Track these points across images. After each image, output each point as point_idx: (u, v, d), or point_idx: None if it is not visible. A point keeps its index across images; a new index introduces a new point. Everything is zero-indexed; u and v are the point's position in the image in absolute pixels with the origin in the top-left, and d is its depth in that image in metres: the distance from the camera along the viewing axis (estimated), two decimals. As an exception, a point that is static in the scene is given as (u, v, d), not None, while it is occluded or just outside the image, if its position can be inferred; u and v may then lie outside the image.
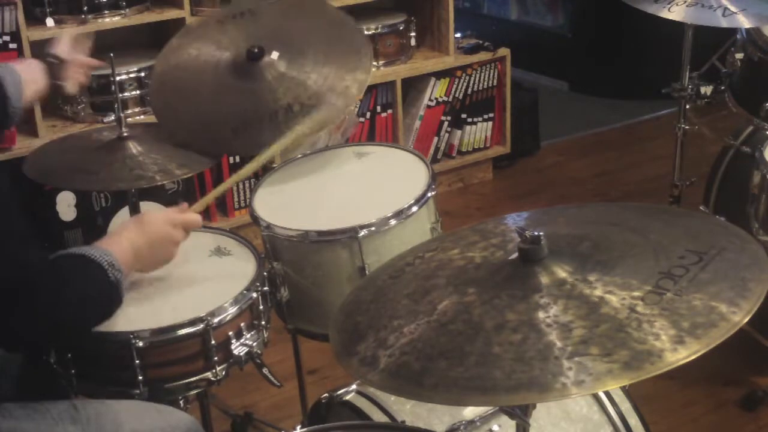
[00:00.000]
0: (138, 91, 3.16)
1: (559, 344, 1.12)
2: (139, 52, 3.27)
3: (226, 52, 2.16)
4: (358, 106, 3.62)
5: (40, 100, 2.07)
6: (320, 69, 2.13)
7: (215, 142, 2.12)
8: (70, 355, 1.74)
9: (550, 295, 1.19)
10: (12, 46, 2.90)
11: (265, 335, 1.87)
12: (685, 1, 2.57)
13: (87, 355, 1.73)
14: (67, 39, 2.10)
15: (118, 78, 2.68)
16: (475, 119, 3.92)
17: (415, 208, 1.98)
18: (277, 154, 1.99)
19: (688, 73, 2.82)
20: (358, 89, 2.12)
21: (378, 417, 1.64)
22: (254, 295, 1.81)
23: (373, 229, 1.93)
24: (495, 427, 1.61)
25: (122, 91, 3.11)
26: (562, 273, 1.23)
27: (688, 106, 2.86)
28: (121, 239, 1.64)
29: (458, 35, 3.90)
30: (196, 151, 2.08)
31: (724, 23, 2.52)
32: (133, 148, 2.09)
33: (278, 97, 2.07)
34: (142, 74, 3.15)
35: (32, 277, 1.46)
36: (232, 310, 1.77)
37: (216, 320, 1.73)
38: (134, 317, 1.73)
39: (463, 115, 3.89)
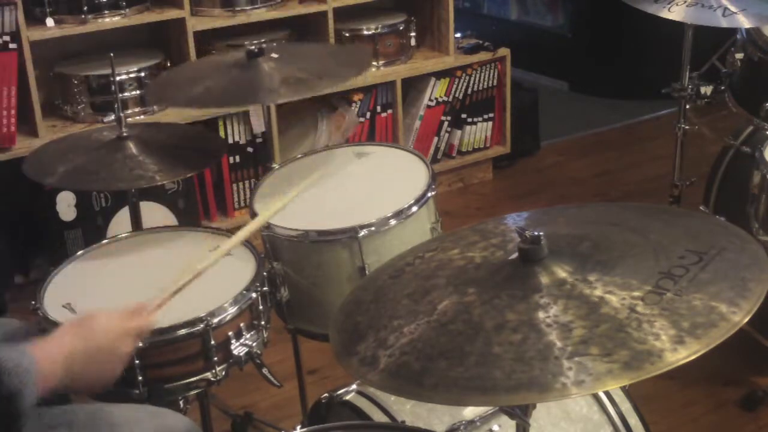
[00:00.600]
0: (138, 91, 3.16)
1: (559, 344, 1.12)
2: (139, 52, 3.27)
3: (226, 62, 2.18)
4: (358, 106, 3.62)
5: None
6: (321, 62, 2.13)
7: (211, 101, 2.10)
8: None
9: (550, 295, 1.19)
10: (12, 46, 2.90)
11: (265, 335, 1.87)
12: (685, 1, 2.57)
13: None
14: None
15: (118, 78, 2.68)
16: (475, 119, 3.92)
17: (415, 208, 1.98)
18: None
19: (688, 73, 2.82)
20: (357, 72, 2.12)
21: (378, 417, 1.64)
22: (254, 295, 1.81)
23: (373, 229, 1.93)
24: (495, 427, 1.61)
25: (122, 91, 3.11)
26: (562, 273, 1.23)
27: (688, 106, 2.86)
28: (57, 342, 1.39)
29: (458, 35, 3.90)
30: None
31: (724, 23, 2.52)
32: (133, 148, 2.10)
33: (277, 74, 2.07)
34: (142, 74, 3.15)
35: None
36: (232, 310, 1.77)
37: (216, 320, 1.73)
38: (134, 317, 1.73)
39: (463, 115, 3.89)
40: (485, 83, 3.89)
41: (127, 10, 3.16)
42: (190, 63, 2.53)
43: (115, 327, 1.45)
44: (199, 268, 1.63)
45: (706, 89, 2.83)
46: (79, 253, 1.98)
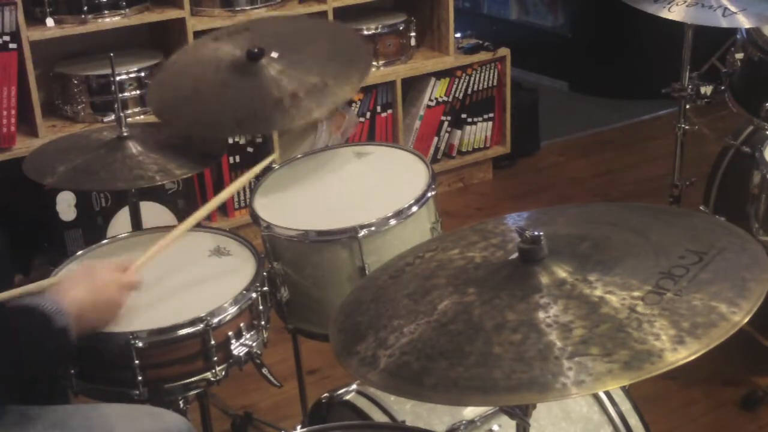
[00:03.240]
0: (138, 91, 3.16)
1: (559, 344, 1.12)
2: (139, 52, 3.27)
3: (224, 59, 2.16)
4: (358, 106, 3.62)
5: None
6: (321, 63, 2.12)
7: (218, 130, 2.10)
8: (70, 355, 1.74)
9: (550, 295, 1.19)
10: (12, 46, 2.90)
11: (265, 335, 1.86)
12: (685, 1, 2.57)
13: (87, 355, 1.73)
14: None
15: (118, 78, 2.68)
16: (475, 119, 3.92)
17: (415, 208, 1.98)
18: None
19: (688, 73, 2.82)
20: (359, 79, 2.11)
21: (378, 417, 1.64)
22: (254, 295, 1.81)
23: (373, 229, 1.93)
24: (495, 427, 1.61)
25: (122, 91, 3.11)
26: (562, 273, 1.23)
27: (688, 106, 2.86)
28: (68, 294, 1.58)
29: (458, 35, 3.90)
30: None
31: (724, 23, 2.52)
32: (133, 148, 2.09)
33: (283, 86, 2.06)
34: (142, 74, 3.15)
35: None
36: (232, 310, 1.76)
37: (216, 320, 1.73)
38: (134, 317, 1.73)
39: (463, 115, 3.89)
40: (485, 83, 3.89)
41: (127, 10, 3.16)
42: (184, 61, 2.51)
43: (114, 280, 1.66)
44: (175, 234, 1.79)
45: (706, 89, 2.82)
46: (79, 253, 1.98)
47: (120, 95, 2.64)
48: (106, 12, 3.13)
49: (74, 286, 1.61)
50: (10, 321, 1.52)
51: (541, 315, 1.16)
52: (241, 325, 1.79)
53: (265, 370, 1.84)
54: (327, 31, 2.39)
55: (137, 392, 1.70)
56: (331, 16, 3.43)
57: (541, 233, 1.24)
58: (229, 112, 2.07)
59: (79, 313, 1.57)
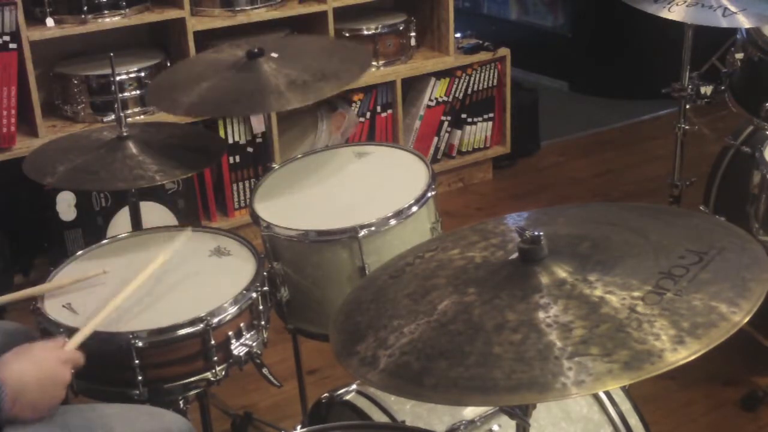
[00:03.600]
0: (138, 91, 3.16)
1: (559, 344, 1.12)
2: (139, 52, 3.27)
3: (225, 60, 2.17)
4: (358, 106, 3.62)
5: None
6: (320, 63, 2.13)
7: (215, 110, 2.08)
8: (69, 355, 1.74)
9: (550, 295, 1.19)
10: (12, 46, 2.90)
11: (265, 335, 1.87)
12: (685, 1, 2.57)
13: (87, 355, 1.72)
14: None
15: (118, 78, 2.68)
16: (475, 119, 3.92)
17: (415, 208, 1.98)
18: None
19: (688, 73, 2.82)
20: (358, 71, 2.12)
21: (378, 417, 1.64)
22: (254, 295, 1.81)
23: (373, 229, 1.93)
24: (495, 427, 1.61)
25: (122, 91, 3.11)
26: (562, 273, 1.23)
27: (688, 106, 2.86)
28: (8, 366, 1.44)
29: (458, 35, 3.90)
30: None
31: (724, 23, 2.52)
32: (133, 148, 2.09)
33: (281, 77, 2.06)
34: (142, 74, 3.15)
35: None
36: (232, 310, 1.76)
37: (216, 320, 1.73)
38: (134, 317, 1.73)
39: (463, 115, 3.89)
40: (485, 83, 3.89)
41: (127, 10, 3.16)
42: (186, 63, 2.52)
43: (53, 355, 1.51)
44: (120, 297, 1.70)
45: (706, 89, 2.82)
46: (79, 253, 1.98)
47: (120, 95, 2.64)
48: (106, 12, 3.13)
49: (15, 359, 1.46)
50: None
51: (541, 315, 1.16)
52: (241, 325, 1.79)
53: (265, 370, 1.84)
54: (329, 44, 2.39)
55: (137, 392, 1.70)
56: (331, 16, 3.43)
57: (541, 233, 1.24)
58: (227, 94, 2.06)
59: (20, 389, 1.43)
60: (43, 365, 1.48)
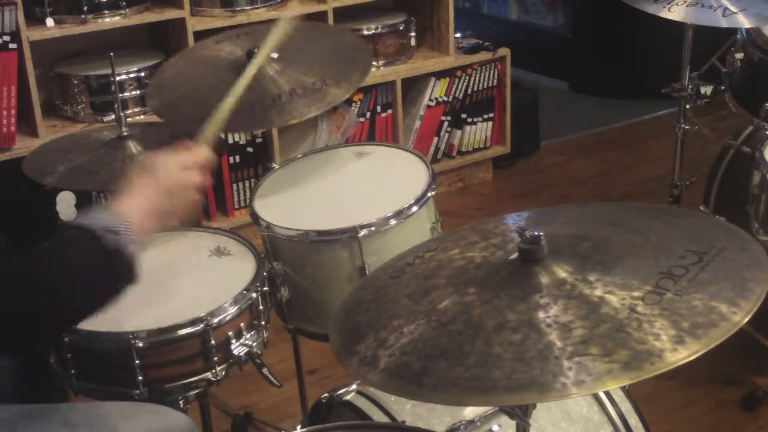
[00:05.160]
0: (138, 91, 3.16)
1: (559, 344, 1.12)
2: (139, 52, 3.27)
3: (224, 59, 2.16)
4: (358, 106, 3.62)
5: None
6: (320, 64, 2.12)
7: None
8: (70, 355, 1.74)
9: (550, 295, 1.19)
10: (12, 46, 2.90)
11: (265, 335, 1.87)
12: (685, 1, 2.57)
13: (87, 355, 1.73)
14: None
15: (118, 78, 2.68)
16: (475, 119, 3.92)
17: (415, 208, 1.98)
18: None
19: (688, 73, 2.82)
20: (358, 79, 2.11)
21: (378, 417, 1.64)
22: (254, 295, 1.81)
23: (373, 229, 1.93)
24: (495, 427, 1.61)
25: (122, 91, 3.11)
26: (562, 273, 1.23)
27: (688, 106, 2.86)
28: (134, 198, 1.46)
29: (458, 35, 3.90)
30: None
31: (724, 23, 2.52)
32: (133, 147, 2.09)
33: (281, 85, 2.05)
34: (142, 74, 3.15)
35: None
36: (232, 310, 1.77)
37: (216, 320, 1.73)
38: (134, 317, 1.73)
39: (463, 115, 3.89)
40: (485, 83, 3.89)
41: (127, 10, 3.16)
42: (183, 58, 2.50)
43: (178, 163, 1.54)
44: (237, 90, 1.75)
45: (706, 89, 2.83)
46: (79, 253, 1.98)
47: (120, 95, 2.63)
48: (106, 12, 3.12)
49: (140, 184, 1.50)
50: (62, 246, 1.45)
51: (541, 315, 1.16)
52: (241, 325, 1.79)
53: (265, 370, 1.84)
54: (329, 35, 2.38)
55: (137, 392, 1.70)
56: (331, 16, 3.43)
57: (541, 233, 1.24)
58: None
59: (154, 209, 1.47)
60: (167, 179, 1.51)
